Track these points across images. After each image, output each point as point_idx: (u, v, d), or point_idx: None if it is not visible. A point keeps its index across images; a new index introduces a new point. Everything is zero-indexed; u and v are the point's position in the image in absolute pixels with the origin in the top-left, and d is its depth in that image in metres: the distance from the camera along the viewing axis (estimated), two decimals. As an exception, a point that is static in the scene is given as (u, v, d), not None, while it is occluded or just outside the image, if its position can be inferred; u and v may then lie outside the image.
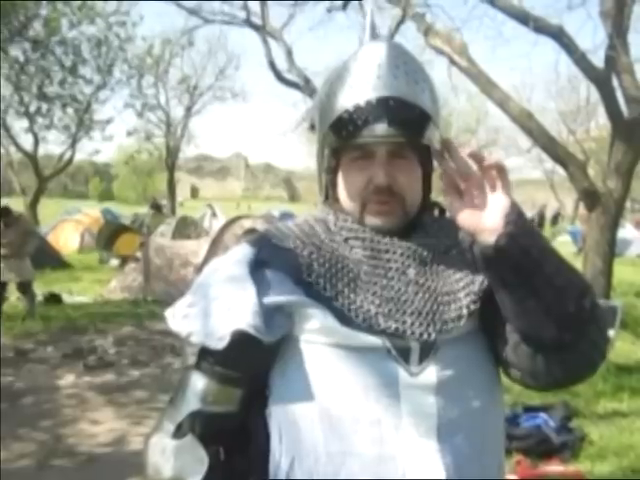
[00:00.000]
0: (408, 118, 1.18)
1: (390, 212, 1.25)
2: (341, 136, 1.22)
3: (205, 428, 1.25)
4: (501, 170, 1.13)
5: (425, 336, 1.18)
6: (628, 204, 25.50)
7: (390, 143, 1.21)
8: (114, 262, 15.36)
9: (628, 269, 14.17)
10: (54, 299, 10.50)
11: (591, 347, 1.20)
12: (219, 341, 1.17)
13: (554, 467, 4.17)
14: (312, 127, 1.66)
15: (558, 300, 1.14)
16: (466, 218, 1.16)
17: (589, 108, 27.35)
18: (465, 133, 35.27)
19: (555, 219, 33.26)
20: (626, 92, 6.68)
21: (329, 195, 1.34)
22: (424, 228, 1.29)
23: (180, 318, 1.24)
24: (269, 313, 1.19)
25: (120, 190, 51.80)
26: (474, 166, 1.14)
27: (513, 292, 1.15)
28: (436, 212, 1.35)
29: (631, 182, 7.04)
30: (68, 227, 19.27)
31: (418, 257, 1.25)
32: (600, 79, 6.82)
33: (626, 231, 19.59)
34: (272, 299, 1.20)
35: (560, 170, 11.74)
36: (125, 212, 25.84)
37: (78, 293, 11.71)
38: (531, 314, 1.15)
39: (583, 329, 1.17)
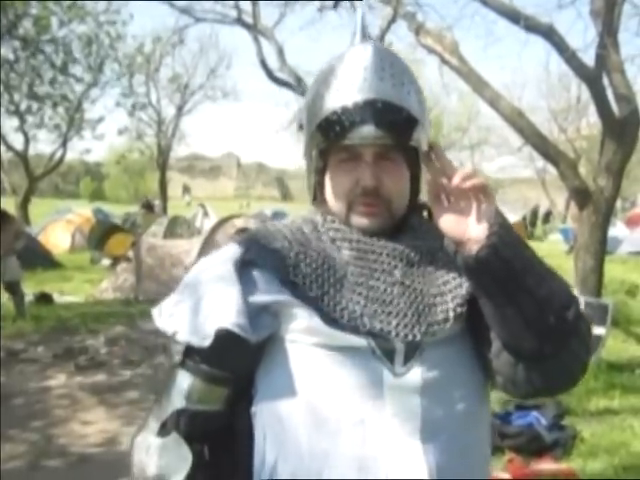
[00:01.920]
0: (395, 120, 1.19)
1: (376, 214, 1.25)
2: (328, 137, 1.22)
3: (190, 427, 1.25)
4: (484, 190, 1.15)
5: (410, 337, 1.18)
6: (619, 203, 25.63)
7: (377, 145, 1.22)
8: (105, 262, 15.30)
9: (619, 267, 14.21)
10: (45, 299, 10.46)
11: (572, 359, 1.20)
12: (204, 339, 1.17)
13: (546, 465, 4.18)
14: (301, 127, 1.67)
15: (539, 312, 1.14)
16: (450, 225, 1.17)
17: (580, 107, 27.44)
18: (456, 132, 35.35)
19: (546, 217, 33.35)
20: (616, 91, 6.70)
21: (317, 196, 1.34)
22: (412, 229, 1.30)
23: (166, 316, 1.25)
24: (255, 312, 1.19)
25: (111, 190, 51.64)
26: (460, 172, 1.16)
27: (494, 301, 1.16)
28: (425, 214, 1.35)
29: (622, 180, 7.06)
30: (59, 227, 19.19)
31: (405, 258, 1.25)
32: (591, 78, 6.84)
33: (617, 229, 19.64)
34: (258, 298, 1.21)
35: (551, 169, 11.78)
36: (116, 212, 25.76)
37: (69, 293, 11.67)
38: (511, 324, 1.16)
39: (564, 341, 1.17)
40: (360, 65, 1.21)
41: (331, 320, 1.18)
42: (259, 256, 1.24)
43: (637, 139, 6.92)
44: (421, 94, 1.26)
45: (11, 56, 12.89)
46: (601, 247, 6.99)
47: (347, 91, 1.20)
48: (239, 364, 1.24)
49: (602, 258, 7.03)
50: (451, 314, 1.21)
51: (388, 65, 1.22)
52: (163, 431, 1.26)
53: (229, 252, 1.26)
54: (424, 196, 1.34)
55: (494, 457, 4.29)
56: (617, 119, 6.71)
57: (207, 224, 15.51)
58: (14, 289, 9.07)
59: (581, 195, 6.94)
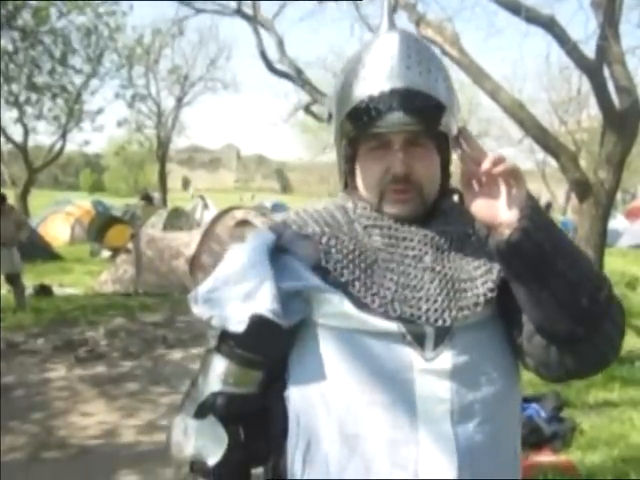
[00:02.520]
0: (423, 106, 1.20)
1: (408, 200, 1.26)
2: (357, 126, 1.24)
3: (226, 409, 1.30)
4: (515, 174, 1.15)
5: (440, 322, 1.20)
6: (619, 195, 25.61)
7: (406, 132, 1.22)
8: (105, 254, 15.32)
9: (619, 260, 14.23)
10: (45, 291, 10.47)
11: (605, 341, 1.21)
12: (238, 325, 1.21)
13: (545, 457, 4.19)
14: (330, 117, 1.70)
15: (572, 295, 1.15)
16: (481, 210, 1.18)
17: (580, 99, 27.32)
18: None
19: (546, 210, 33.32)
20: (617, 83, 6.67)
21: (348, 183, 1.36)
22: (443, 215, 1.31)
23: (202, 302, 1.27)
24: (287, 298, 1.22)
25: (111, 182, 51.57)
26: (490, 157, 1.16)
27: (526, 285, 1.17)
28: (456, 198, 1.36)
29: (622, 173, 7.04)
30: (59, 219, 19.19)
31: (435, 244, 1.27)
32: (591, 69, 6.81)
33: (617, 222, 19.67)
34: (290, 284, 1.24)
35: (551, 161, 11.76)
36: (116, 204, 25.74)
37: (69, 285, 11.68)
38: (544, 307, 1.17)
39: (597, 323, 1.18)
40: (387, 54, 1.22)
41: (362, 305, 1.21)
42: (291, 242, 1.27)
43: (638, 131, 6.89)
44: (449, 81, 1.27)
45: (10, 47, 12.84)
46: (601, 240, 6.97)
47: (375, 80, 1.21)
48: (272, 348, 1.28)
49: (602, 251, 7.02)
50: (481, 299, 1.23)
51: (415, 53, 1.23)
52: (200, 413, 1.31)
53: (261, 238, 1.29)
54: (454, 181, 1.35)
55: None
56: (618, 111, 6.69)
57: (207, 216, 15.50)
58: (15, 281, 9.07)
59: (581, 187, 6.92)
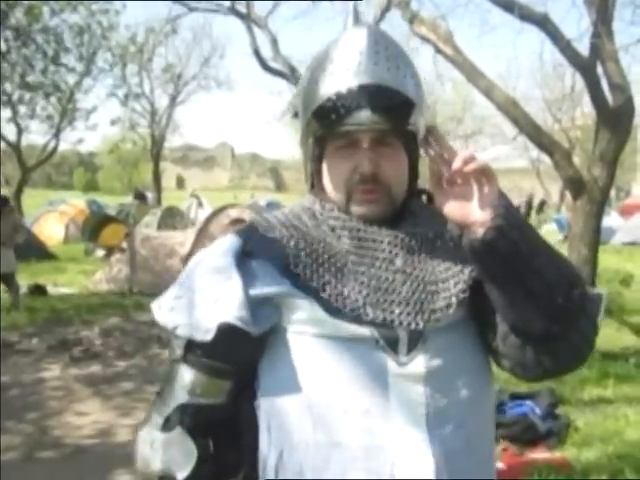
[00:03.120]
0: (391, 105, 1.17)
1: (376, 201, 1.23)
2: (324, 124, 1.20)
3: (194, 421, 1.25)
4: (486, 172, 1.13)
5: (413, 325, 1.17)
6: (613, 192, 25.67)
7: (374, 130, 1.19)
8: (99, 253, 15.29)
9: (613, 257, 14.25)
10: (39, 291, 10.45)
11: (580, 339, 1.20)
12: (205, 334, 1.17)
13: (540, 454, 4.20)
14: (296, 115, 1.62)
15: (547, 292, 1.13)
16: (453, 210, 1.16)
17: (574, 96, 27.34)
18: (451, 121, 35.29)
19: (541, 207, 33.39)
20: (611, 80, 6.69)
21: (315, 184, 1.32)
22: (412, 216, 1.28)
23: (166, 311, 1.24)
24: (256, 304, 1.18)
25: (105, 181, 51.47)
26: (460, 155, 1.14)
27: (501, 285, 1.15)
28: (424, 199, 1.34)
29: (616, 170, 7.06)
30: (53, 218, 19.15)
31: (406, 246, 1.24)
32: (585, 67, 6.83)
33: (611, 219, 19.69)
34: (259, 290, 1.19)
35: (546, 158, 11.77)
36: (110, 203, 25.67)
37: (63, 284, 11.65)
38: (519, 306, 1.15)
39: (572, 321, 1.17)
40: (355, 49, 1.18)
41: (333, 310, 1.17)
42: (258, 247, 1.23)
43: (631, 128, 6.92)
44: (417, 77, 1.24)
45: (3, 46, 12.80)
46: (595, 237, 7.00)
47: (342, 76, 1.18)
48: (241, 356, 1.24)
49: (596, 248, 7.04)
50: (454, 300, 1.20)
51: (383, 48, 1.19)
52: (167, 426, 1.26)
53: (227, 243, 1.25)
54: (422, 181, 1.33)
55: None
56: (611, 108, 6.71)
57: (201, 215, 15.49)
58: (9, 281, 9.05)
59: (575, 185, 6.94)
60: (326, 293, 1.18)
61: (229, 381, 1.25)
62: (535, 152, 28.81)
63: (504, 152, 35.82)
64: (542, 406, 4.75)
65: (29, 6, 11.83)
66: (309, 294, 1.19)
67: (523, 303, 1.14)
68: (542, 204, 33.65)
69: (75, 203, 21.79)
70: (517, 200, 29.25)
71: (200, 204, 18.76)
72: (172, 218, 15.51)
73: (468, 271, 1.22)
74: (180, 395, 1.25)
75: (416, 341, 1.18)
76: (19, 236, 9.08)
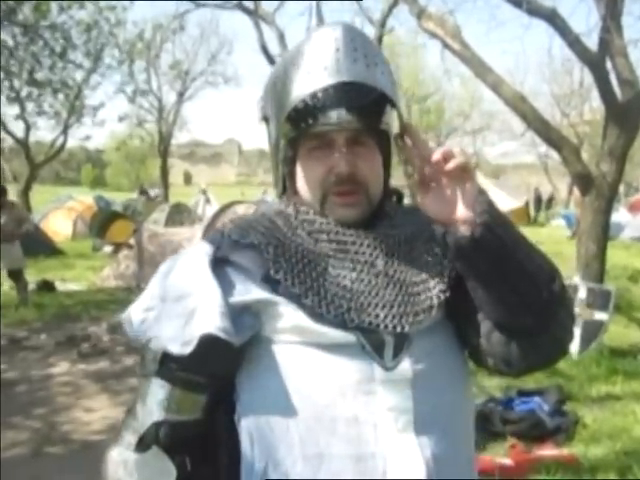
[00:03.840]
0: (366, 103, 1.15)
1: (354, 203, 1.20)
2: (298, 126, 1.17)
3: (170, 438, 1.18)
4: (466, 168, 1.12)
5: (399, 329, 1.15)
6: (622, 188, 25.54)
7: (349, 130, 1.17)
8: (107, 249, 15.32)
9: (621, 253, 14.20)
10: (47, 287, 10.48)
11: (561, 330, 1.20)
12: (184, 346, 1.11)
13: (548, 451, 4.19)
14: (264, 118, 1.50)
15: (531, 286, 1.14)
16: (435, 208, 1.14)
17: (583, 91, 27.25)
18: (459, 117, 35.23)
19: (549, 203, 33.31)
20: (620, 75, 6.65)
21: (287, 187, 1.28)
22: (388, 217, 1.26)
23: (138, 323, 1.18)
24: (235, 313, 1.14)
25: (112, 177, 51.59)
26: (437, 153, 1.12)
27: (486, 281, 1.14)
28: (394, 199, 1.32)
29: (625, 165, 7.03)
30: (60, 214, 19.20)
31: (385, 248, 1.22)
32: (594, 62, 6.79)
33: (620, 215, 19.60)
34: (238, 299, 1.15)
35: (554, 154, 11.72)
36: (118, 199, 25.73)
37: (71, 281, 11.69)
38: (504, 302, 1.15)
39: (554, 313, 1.17)
40: (331, 47, 1.14)
41: (317, 316, 1.14)
42: (233, 253, 1.19)
43: (640, 124, 6.87)
44: (392, 75, 1.22)
45: (11, 42, 12.82)
46: (604, 232, 6.96)
47: (319, 75, 1.13)
48: (219, 369, 1.18)
49: (605, 244, 7.01)
50: (435, 301, 1.19)
51: (360, 45, 1.16)
52: (141, 445, 1.19)
53: (200, 251, 1.21)
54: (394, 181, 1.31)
55: (496, 443, 4.30)
56: (620, 103, 6.67)
57: (209, 211, 15.50)
58: (18, 277, 9.07)
59: (584, 180, 6.91)
60: (309, 299, 1.14)
61: (205, 395, 1.19)
62: (543, 147, 28.72)
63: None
64: (550, 402, 4.74)
65: (37, 3, 11.85)
66: (291, 301, 1.15)
67: (507, 299, 1.14)
68: (550, 200, 33.57)
69: (83, 199, 21.82)
70: (525, 196, 29.21)
71: (208, 200, 18.77)
72: (180, 214, 15.54)
73: (447, 271, 1.21)
74: (154, 412, 1.18)
75: (401, 345, 1.16)
76: (26, 226, 9.05)
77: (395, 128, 1.20)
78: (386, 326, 1.15)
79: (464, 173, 1.12)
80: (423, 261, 1.23)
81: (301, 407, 1.14)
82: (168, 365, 1.16)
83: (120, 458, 1.22)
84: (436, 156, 1.11)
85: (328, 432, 1.13)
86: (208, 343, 1.09)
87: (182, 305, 1.14)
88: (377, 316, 1.15)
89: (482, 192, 1.13)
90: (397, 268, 1.21)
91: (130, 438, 1.21)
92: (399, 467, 1.12)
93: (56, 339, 7.35)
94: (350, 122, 1.15)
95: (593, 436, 4.44)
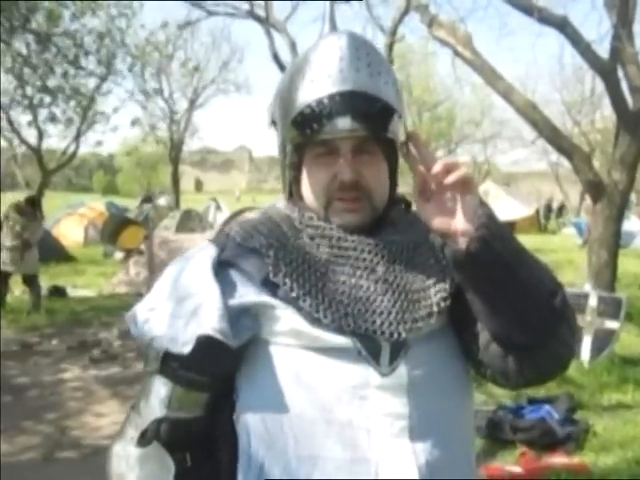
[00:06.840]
0: (371, 111, 1.16)
1: (358, 209, 1.21)
2: (303, 132, 1.18)
3: (171, 434, 1.21)
4: (467, 181, 1.12)
5: (395, 335, 1.16)
6: (633, 196, 25.40)
7: (354, 138, 1.18)
8: (118, 255, 15.38)
9: (633, 261, 14.11)
10: (58, 292, 10.53)
11: (561, 346, 1.19)
12: (183, 346, 1.14)
13: (558, 459, 4.17)
14: (273, 123, 1.56)
15: (529, 302, 1.13)
16: (435, 220, 1.14)
17: (594, 99, 27.12)
18: (470, 125, 35.16)
19: (560, 211, 33.18)
20: (631, 83, 6.65)
21: (293, 192, 1.30)
22: (392, 224, 1.27)
23: (142, 322, 1.21)
24: (235, 315, 1.16)
25: (124, 183, 51.78)
26: (438, 165, 1.12)
27: (483, 295, 1.14)
28: (402, 207, 1.32)
29: (636, 174, 7.01)
30: (72, 221, 19.31)
31: (386, 254, 1.22)
32: (605, 70, 6.78)
33: (631, 223, 19.47)
34: (238, 301, 1.17)
35: (565, 162, 11.69)
36: (129, 205, 25.84)
37: (82, 286, 11.75)
38: (502, 316, 1.14)
39: (554, 329, 1.16)
40: (336, 55, 1.16)
41: (314, 320, 1.15)
42: (236, 256, 1.21)
43: (652, 132, 6.85)
44: (397, 84, 1.23)
45: (24, 50, 12.93)
46: (615, 241, 6.95)
47: (322, 83, 1.15)
48: (219, 369, 1.20)
49: (616, 252, 6.99)
50: (435, 309, 1.19)
51: (364, 55, 1.17)
52: (143, 441, 1.22)
53: (204, 253, 1.23)
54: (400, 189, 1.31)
55: (506, 451, 4.29)
56: (631, 112, 6.66)
57: (220, 218, 15.54)
58: (32, 282, 9.13)
59: (595, 188, 6.90)
60: (307, 303, 1.16)
61: (206, 394, 1.22)
62: (554, 155, 28.58)
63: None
64: (560, 411, 4.72)
65: (50, 10, 11.95)
66: (289, 304, 1.17)
67: (505, 313, 1.13)
68: (561, 208, 33.45)
69: (94, 206, 21.94)
70: (536, 204, 29.12)
71: (218, 207, 18.83)
72: (190, 221, 15.58)
73: (449, 279, 1.21)
74: (156, 409, 1.21)
75: (398, 351, 1.17)
76: (37, 234, 9.16)
77: (402, 137, 1.21)
78: (383, 332, 1.16)
79: (465, 186, 1.12)
80: (425, 268, 1.23)
81: (296, 409, 1.16)
82: (170, 364, 1.19)
83: (123, 452, 1.26)
84: (437, 168, 1.11)
85: (323, 435, 1.14)
86: (206, 344, 1.12)
87: (184, 306, 1.17)
88: (374, 322, 1.16)
89: (483, 205, 1.12)
90: (398, 274, 1.21)
91: (133, 433, 1.24)
92: (392, 473, 1.13)
93: (67, 344, 7.40)
94: (356, 130, 1.16)
95: (604, 445, 4.42)
